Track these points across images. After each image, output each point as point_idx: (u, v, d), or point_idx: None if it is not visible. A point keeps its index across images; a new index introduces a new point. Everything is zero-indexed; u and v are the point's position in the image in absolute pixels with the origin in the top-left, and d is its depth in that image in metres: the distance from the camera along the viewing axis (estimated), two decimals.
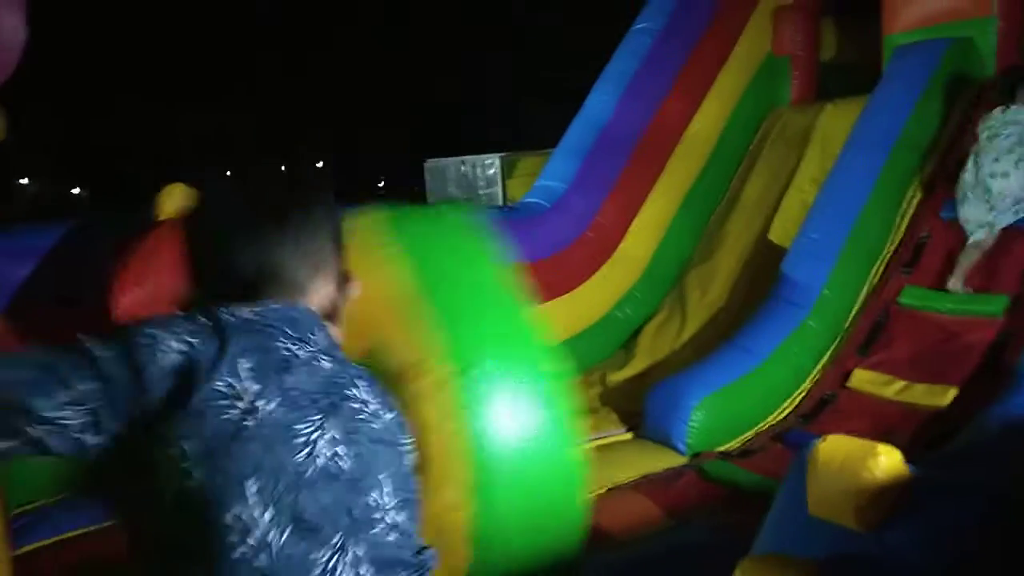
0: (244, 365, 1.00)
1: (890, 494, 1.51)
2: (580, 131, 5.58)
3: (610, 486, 3.34)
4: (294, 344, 1.06)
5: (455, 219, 1.83)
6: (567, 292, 5.10)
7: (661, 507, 3.14)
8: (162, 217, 3.43)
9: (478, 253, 1.77)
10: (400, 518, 1.08)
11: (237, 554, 0.94)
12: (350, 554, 1.00)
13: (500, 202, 10.74)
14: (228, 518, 0.94)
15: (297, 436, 0.99)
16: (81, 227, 3.87)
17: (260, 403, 0.98)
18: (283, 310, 1.08)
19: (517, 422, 1.66)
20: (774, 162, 5.71)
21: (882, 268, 4.38)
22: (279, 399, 1.00)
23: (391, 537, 1.06)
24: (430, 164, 12.00)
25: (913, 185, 4.59)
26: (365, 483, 1.04)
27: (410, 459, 1.15)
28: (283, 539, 0.96)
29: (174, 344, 0.98)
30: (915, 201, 4.54)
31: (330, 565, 0.98)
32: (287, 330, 1.06)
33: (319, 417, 1.02)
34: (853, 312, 4.27)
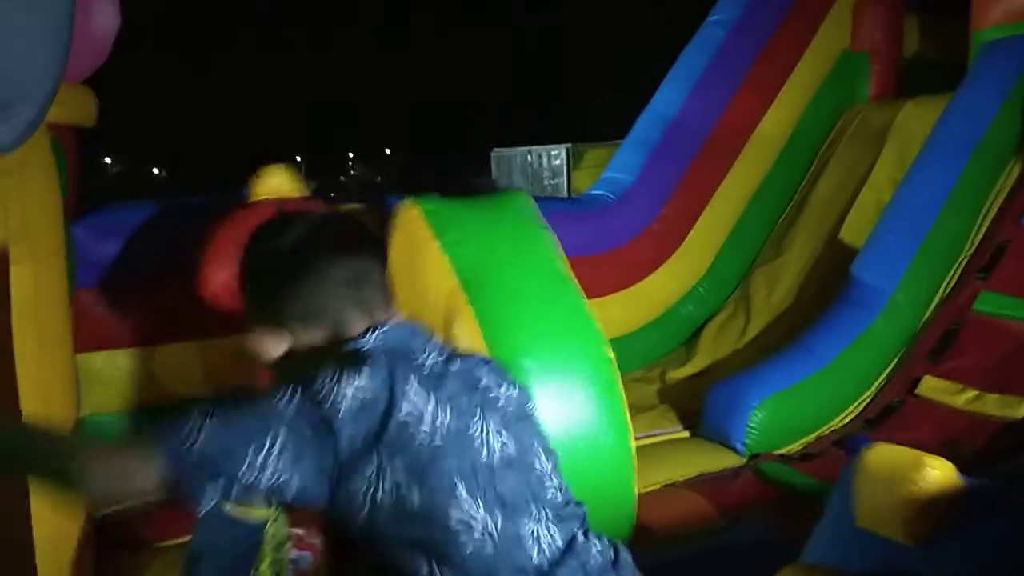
0: (411, 391, 1.11)
1: (939, 507, 1.47)
2: (648, 124, 5.53)
3: (666, 483, 3.34)
4: (426, 355, 1.20)
5: (508, 211, 1.83)
6: (631, 286, 5.08)
7: (716, 506, 3.12)
8: (258, 197, 3.35)
9: (530, 244, 1.76)
10: (557, 478, 1.25)
11: (471, 549, 1.08)
12: (543, 520, 1.15)
13: (565, 193, 10.74)
14: (453, 523, 1.07)
15: (474, 439, 1.14)
16: (173, 207, 3.99)
17: (438, 421, 1.11)
18: (402, 328, 1.24)
19: (564, 414, 1.68)
20: (849, 160, 5.56)
21: (958, 274, 4.24)
22: (449, 411, 1.13)
23: (559, 497, 1.22)
24: (496, 154, 12.07)
25: (995, 189, 4.41)
26: (528, 458, 1.20)
27: (539, 421, 1.31)
28: (499, 526, 1.10)
29: (348, 392, 1.08)
30: (996, 206, 4.37)
31: (536, 534, 1.13)
32: (417, 345, 1.21)
33: (479, 416, 1.17)
34: (925, 318, 4.15)
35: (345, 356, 1.15)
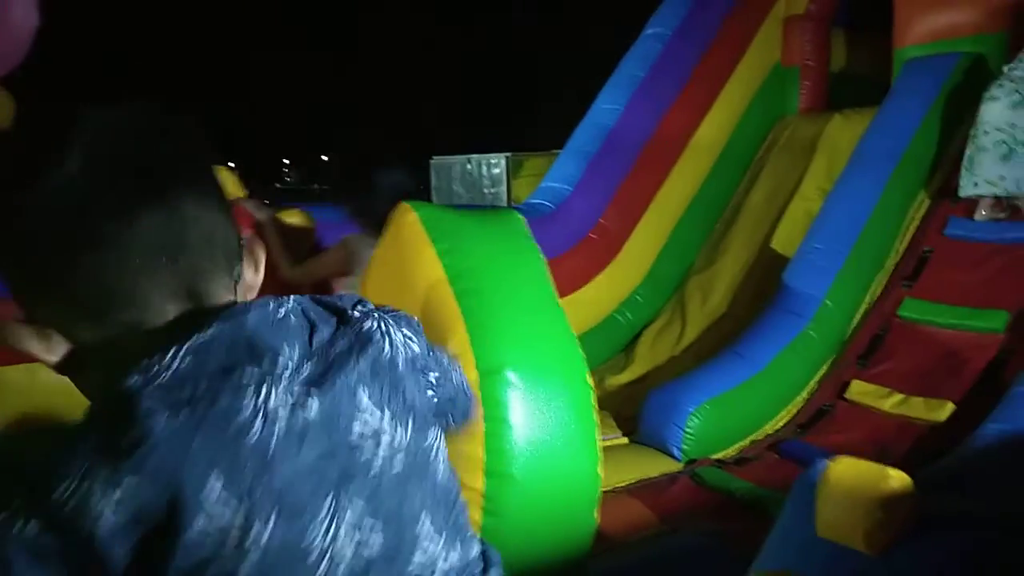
0: (210, 495, 0.69)
1: (900, 518, 1.51)
2: (586, 134, 5.58)
3: (605, 489, 3.34)
4: (263, 390, 0.74)
5: (499, 224, 1.86)
6: (569, 294, 5.10)
7: (655, 512, 3.15)
8: None
9: (523, 259, 1.80)
10: (455, 555, 0.89)
11: None
12: None
13: (505, 202, 10.77)
14: None
15: (310, 552, 0.74)
16: None
17: (253, 531, 0.71)
18: (226, 331, 0.76)
19: (539, 423, 1.69)
20: (780, 171, 5.72)
21: (884, 281, 4.38)
22: (274, 512, 0.72)
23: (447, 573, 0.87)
24: (435, 162, 12.02)
25: (918, 199, 4.59)
26: (404, 549, 0.82)
27: (443, 444, 0.93)
28: None
29: (105, 511, 0.67)
30: (919, 216, 4.54)
31: None
32: (243, 368, 0.75)
33: (330, 503, 0.76)
34: (853, 324, 4.28)
35: (113, 406, 0.71)
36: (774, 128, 6.11)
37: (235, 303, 0.83)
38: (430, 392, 0.93)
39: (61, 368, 0.82)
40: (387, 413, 0.83)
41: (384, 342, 0.86)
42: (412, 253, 1.71)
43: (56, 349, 0.79)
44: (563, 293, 5.56)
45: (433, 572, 0.85)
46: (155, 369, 0.72)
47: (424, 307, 1.71)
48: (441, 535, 0.86)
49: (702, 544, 2.58)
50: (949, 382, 3.66)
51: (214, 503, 0.69)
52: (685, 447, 3.69)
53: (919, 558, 1.49)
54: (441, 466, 0.90)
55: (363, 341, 0.84)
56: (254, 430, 0.72)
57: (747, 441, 3.89)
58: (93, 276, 0.76)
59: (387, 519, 0.80)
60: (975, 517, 1.58)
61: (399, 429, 0.84)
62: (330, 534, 0.75)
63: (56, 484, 0.67)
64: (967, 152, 4.12)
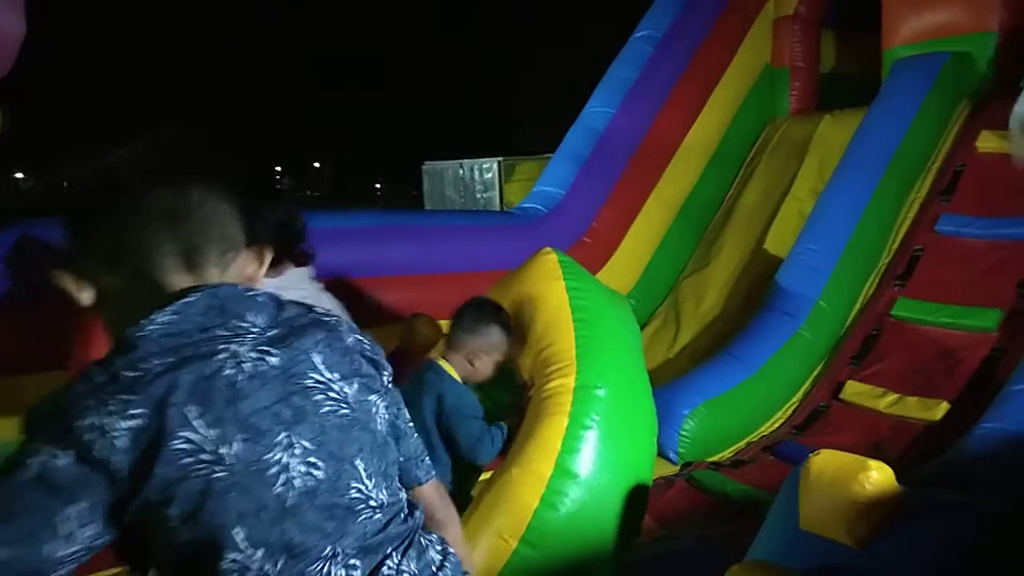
0: (192, 413, 0.93)
1: (880, 510, 1.51)
2: (578, 137, 5.58)
3: None
4: (233, 343, 1.00)
5: (609, 288, 2.46)
6: None
7: (652, 516, 3.13)
8: None
9: (623, 310, 2.34)
10: (383, 494, 1.09)
11: None
12: (340, 558, 1.01)
13: (497, 206, 10.76)
14: (225, 563, 0.94)
15: (269, 467, 0.96)
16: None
17: (224, 449, 0.94)
18: (202, 298, 1.01)
19: (612, 438, 2.06)
20: (772, 172, 5.73)
21: (877, 281, 4.39)
22: (241, 435, 0.95)
23: (376, 516, 1.06)
24: (428, 167, 12.01)
25: (910, 198, 4.60)
26: (342, 481, 1.03)
27: (384, 413, 1.15)
28: (278, 567, 0.96)
29: (120, 424, 0.90)
30: (911, 215, 4.55)
31: (323, 573, 0.99)
32: (218, 327, 1.00)
33: (285, 434, 0.99)
34: (847, 324, 4.28)
35: (120, 349, 0.96)
36: (766, 129, 6.12)
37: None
38: (384, 379, 1.18)
39: (91, 307, 1.06)
40: (336, 374, 1.07)
41: (340, 328, 1.13)
42: (547, 281, 2.29)
43: (85, 292, 1.05)
44: None
45: (367, 502, 1.05)
46: (150, 324, 0.97)
47: (546, 321, 2.24)
48: (371, 479, 1.07)
49: (698, 547, 2.58)
50: (943, 381, 3.66)
51: (192, 424, 0.92)
52: (681, 450, 3.69)
53: (899, 548, 1.49)
54: (379, 426, 1.12)
55: (322, 322, 1.11)
56: (226, 370, 0.97)
57: (743, 443, 3.89)
58: (116, 232, 1.03)
59: (328, 456, 1.02)
60: (954, 505, 1.58)
61: (345, 387, 1.07)
62: (284, 458, 0.97)
63: (77, 414, 0.90)
64: None
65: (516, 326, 2.32)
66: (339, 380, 1.07)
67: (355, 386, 1.09)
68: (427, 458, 1.32)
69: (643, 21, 5.89)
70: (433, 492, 1.33)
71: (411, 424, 1.27)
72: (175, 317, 0.98)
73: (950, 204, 4.43)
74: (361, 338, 1.16)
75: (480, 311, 2.36)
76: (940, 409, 3.51)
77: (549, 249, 2.44)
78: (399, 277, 4.15)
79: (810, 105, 6.25)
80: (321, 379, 1.05)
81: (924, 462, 2.92)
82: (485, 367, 2.34)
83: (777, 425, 3.97)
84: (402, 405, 1.25)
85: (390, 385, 1.20)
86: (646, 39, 5.77)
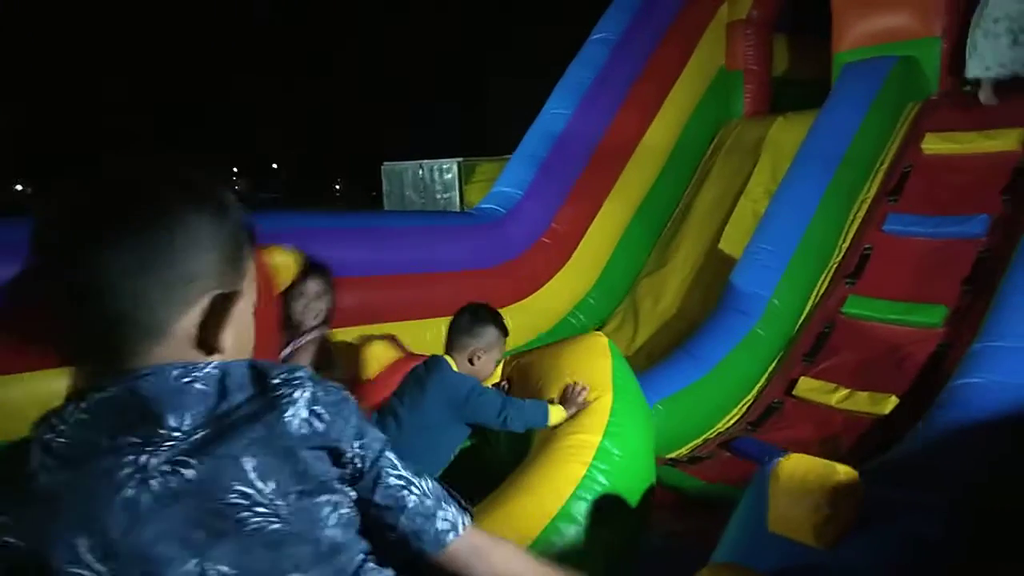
0: (82, 545, 0.77)
1: (848, 513, 1.55)
2: (536, 139, 5.61)
3: None
4: (144, 453, 0.80)
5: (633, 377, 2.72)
6: (524, 297, 5.11)
7: None
8: None
9: (636, 387, 2.67)
10: None
11: None
12: None
13: (457, 207, 10.74)
14: None
15: None
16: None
17: None
18: (122, 396, 0.82)
19: (618, 493, 2.27)
20: (727, 173, 5.83)
21: (828, 279, 4.49)
22: (139, 569, 0.79)
23: None
24: (387, 167, 11.93)
25: (859, 198, 4.72)
26: None
27: (344, 510, 0.94)
28: None
29: None
30: (860, 214, 4.67)
31: None
32: (120, 438, 0.81)
33: (195, 562, 0.81)
34: (800, 321, 4.38)
35: (14, 457, 0.81)
36: (720, 131, 6.23)
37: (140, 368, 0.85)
38: (339, 469, 0.96)
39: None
40: (271, 483, 0.86)
41: (288, 412, 0.89)
42: (596, 357, 2.62)
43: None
44: (518, 297, 5.58)
45: None
46: (54, 422, 0.81)
47: (593, 385, 2.49)
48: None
49: (658, 544, 2.61)
50: (892, 376, 3.76)
51: (78, 559, 0.76)
52: None
53: (863, 547, 1.53)
54: (329, 531, 0.91)
55: (266, 411, 0.87)
56: (128, 489, 0.79)
57: (700, 440, 3.94)
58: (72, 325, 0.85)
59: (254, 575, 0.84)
60: (916, 504, 1.63)
61: (277, 499, 0.86)
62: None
63: None
64: (971, 39, 4.63)
65: (557, 379, 2.55)
66: (272, 491, 0.86)
67: (293, 495, 0.87)
68: (447, 509, 1.07)
69: (599, 23, 5.95)
70: (464, 551, 1.07)
71: (411, 485, 1.05)
72: (85, 419, 0.81)
73: (897, 204, 4.55)
74: (320, 414, 0.92)
75: (476, 313, 2.52)
76: (889, 403, 3.61)
77: (601, 335, 2.83)
78: (358, 278, 4.13)
79: (763, 107, 6.37)
80: (248, 491, 0.84)
81: (875, 455, 3.00)
82: (486, 365, 2.50)
83: (733, 422, 4.03)
84: (388, 471, 1.03)
85: (361, 464, 0.99)
86: (603, 41, 5.83)
